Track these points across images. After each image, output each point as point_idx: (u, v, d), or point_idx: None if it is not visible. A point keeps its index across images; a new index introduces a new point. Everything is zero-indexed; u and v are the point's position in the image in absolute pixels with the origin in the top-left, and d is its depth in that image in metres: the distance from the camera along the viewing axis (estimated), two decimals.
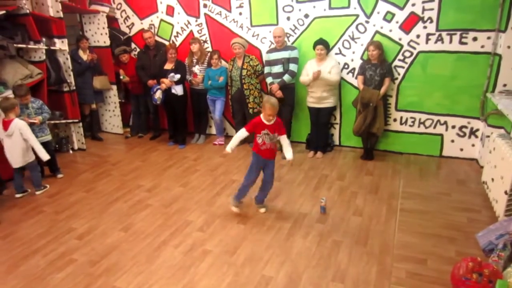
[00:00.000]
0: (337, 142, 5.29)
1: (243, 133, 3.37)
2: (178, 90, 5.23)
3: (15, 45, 4.53)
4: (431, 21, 4.39)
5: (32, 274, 2.79)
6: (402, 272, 2.65)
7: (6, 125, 3.87)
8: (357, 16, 4.69)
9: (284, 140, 3.39)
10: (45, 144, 4.30)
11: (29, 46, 4.73)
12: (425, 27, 4.44)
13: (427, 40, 4.47)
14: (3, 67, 4.56)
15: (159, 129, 6.09)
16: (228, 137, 5.73)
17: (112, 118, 6.26)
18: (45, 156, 4.06)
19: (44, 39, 4.90)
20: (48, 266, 2.87)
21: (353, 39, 4.82)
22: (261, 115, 3.30)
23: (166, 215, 3.57)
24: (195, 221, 3.44)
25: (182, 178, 4.39)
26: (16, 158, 3.97)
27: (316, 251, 2.95)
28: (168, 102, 5.36)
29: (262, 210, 3.57)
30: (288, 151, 3.37)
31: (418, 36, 4.50)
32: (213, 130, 5.88)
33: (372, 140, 4.80)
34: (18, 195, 4.09)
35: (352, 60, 4.89)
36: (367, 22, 4.69)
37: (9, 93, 4.40)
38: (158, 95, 5.27)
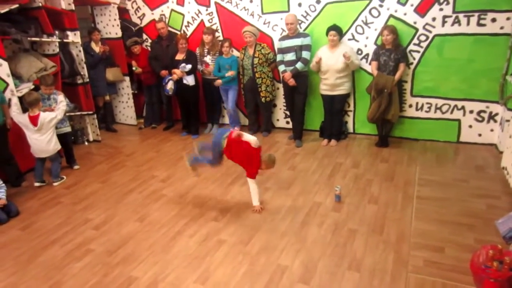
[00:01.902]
0: (351, 130, 5.21)
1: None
2: (189, 80, 5.21)
3: (28, 38, 4.57)
4: (448, 3, 4.24)
5: (51, 264, 2.86)
6: (420, 260, 2.62)
7: (34, 120, 3.95)
8: (370, 0, 4.57)
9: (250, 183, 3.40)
10: (64, 136, 4.39)
11: (43, 39, 4.77)
12: (441, 9, 4.30)
13: (443, 22, 4.33)
14: (18, 61, 4.61)
15: (172, 120, 6.11)
16: (245, 127, 5.71)
17: (125, 110, 6.31)
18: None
19: (57, 32, 4.93)
20: (67, 256, 2.93)
21: (366, 24, 4.70)
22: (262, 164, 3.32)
23: (180, 205, 3.59)
24: (210, 211, 3.45)
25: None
26: (45, 149, 4.07)
27: (332, 239, 2.93)
28: (180, 93, 5.35)
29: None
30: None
31: (434, 19, 4.36)
32: (226, 120, 5.87)
33: (387, 127, 4.71)
34: (37, 184, 4.19)
35: (366, 46, 4.78)
36: (380, 6, 4.56)
37: (24, 87, 4.46)
38: (169, 86, 5.27)
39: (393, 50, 4.40)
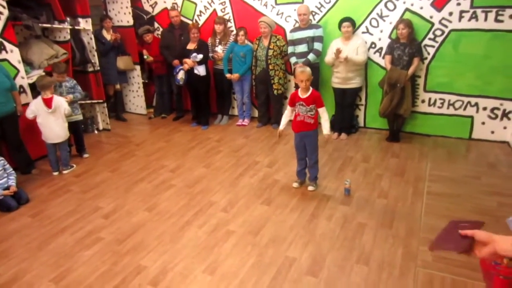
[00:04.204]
0: (362, 124, 5.16)
1: (287, 109, 3.49)
2: (200, 70, 5.19)
3: (40, 25, 4.57)
4: None
5: (61, 251, 2.88)
6: (429, 255, 2.60)
7: (48, 102, 3.98)
8: None
9: (322, 113, 3.37)
10: (75, 123, 4.41)
11: (54, 26, 4.77)
12: (458, 4, 4.21)
13: (460, 18, 4.24)
14: (29, 47, 4.62)
15: (182, 110, 6.11)
16: (255, 119, 5.69)
17: (135, 99, 6.32)
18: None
19: (68, 19, 4.92)
20: (77, 244, 2.95)
21: (381, 17, 4.62)
22: (299, 89, 3.36)
23: (190, 195, 3.60)
24: (219, 201, 3.46)
25: (205, 159, 4.40)
26: (57, 134, 4.10)
27: (340, 233, 2.92)
28: (191, 83, 5.33)
29: (309, 188, 3.58)
30: (324, 126, 3.37)
31: (450, 14, 4.27)
32: (236, 111, 5.85)
33: (398, 121, 4.66)
34: (55, 173, 4.22)
35: (380, 39, 4.71)
36: None
37: (36, 73, 4.48)
38: (180, 75, 5.25)
39: (407, 44, 4.33)
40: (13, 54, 4.16)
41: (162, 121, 5.98)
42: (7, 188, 3.54)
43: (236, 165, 4.20)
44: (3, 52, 4.06)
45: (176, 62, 5.38)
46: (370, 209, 3.22)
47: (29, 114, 4.01)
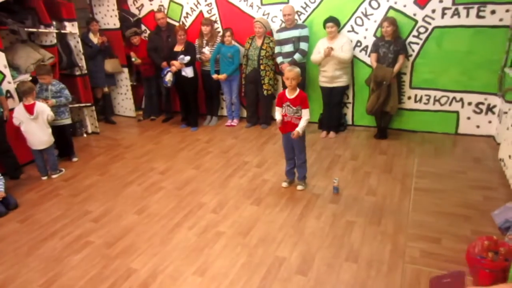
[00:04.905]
0: (350, 122, 5.21)
1: (276, 109, 3.48)
2: (188, 72, 5.19)
3: (26, 29, 4.53)
4: None
5: (51, 256, 2.87)
6: (416, 251, 2.64)
7: (30, 109, 3.94)
8: None
9: (304, 113, 3.36)
10: (62, 128, 4.38)
11: (40, 30, 4.73)
12: (441, 1, 4.28)
13: (443, 14, 4.31)
14: (15, 52, 4.58)
15: (171, 112, 6.10)
16: (243, 119, 5.71)
17: (124, 101, 6.29)
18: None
19: (54, 23, 4.88)
20: (66, 248, 2.94)
21: (366, 15, 4.68)
22: (287, 90, 3.38)
23: (179, 197, 3.60)
24: (208, 203, 3.47)
25: (195, 161, 4.41)
26: (41, 140, 4.07)
27: (330, 231, 2.95)
28: (179, 85, 5.33)
29: (298, 187, 3.60)
30: (300, 124, 3.36)
31: (433, 11, 4.34)
32: (225, 112, 5.86)
33: (385, 119, 4.71)
34: (44, 178, 4.20)
35: (365, 38, 4.76)
36: None
37: (22, 78, 4.44)
38: (168, 77, 5.25)
39: (392, 42, 4.38)
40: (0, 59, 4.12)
41: (151, 123, 5.97)
42: None
43: (226, 166, 4.21)
44: None
45: (164, 64, 5.36)
46: (358, 206, 3.26)
47: (15, 121, 3.99)
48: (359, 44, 4.81)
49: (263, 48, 5.01)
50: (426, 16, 4.38)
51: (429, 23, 4.40)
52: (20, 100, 4.07)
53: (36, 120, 3.99)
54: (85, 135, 5.55)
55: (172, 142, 5.08)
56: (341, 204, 3.31)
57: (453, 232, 2.82)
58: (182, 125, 5.66)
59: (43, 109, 4.02)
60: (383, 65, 4.41)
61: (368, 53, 4.75)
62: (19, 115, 3.96)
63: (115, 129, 5.80)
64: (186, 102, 5.54)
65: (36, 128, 4.02)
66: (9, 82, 4.24)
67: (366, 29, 4.73)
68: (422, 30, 4.45)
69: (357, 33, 4.78)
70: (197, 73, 5.38)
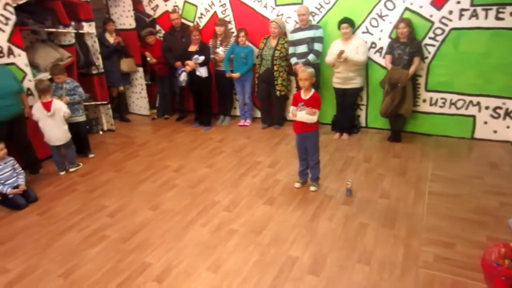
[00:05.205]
0: (363, 124, 5.19)
1: (292, 108, 3.50)
2: (202, 72, 5.24)
3: (45, 29, 4.65)
4: None
5: (68, 248, 2.95)
6: (430, 255, 2.62)
7: (47, 106, 4.05)
8: None
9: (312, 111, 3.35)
10: (77, 125, 4.48)
11: (59, 30, 4.84)
12: (458, 2, 4.23)
13: (460, 16, 4.26)
14: (35, 51, 4.69)
15: (184, 111, 6.16)
16: (256, 119, 5.72)
17: (139, 100, 6.38)
18: None
19: (73, 23, 4.99)
20: (83, 242, 3.02)
21: (381, 17, 4.66)
22: (302, 90, 3.41)
23: (193, 195, 3.65)
24: (222, 201, 3.51)
25: (208, 159, 4.46)
26: (58, 137, 4.18)
27: (342, 232, 2.95)
28: (193, 84, 5.39)
29: (311, 188, 3.61)
30: (304, 115, 3.35)
31: (450, 12, 4.30)
32: (238, 112, 5.89)
33: (399, 121, 4.68)
34: (62, 173, 4.31)
35: (380, 39, 4.74)
36: None
37: (41, 76, 4.55)
38: (183, 77, 5.31)
39: (408, 44, 4.36)
40: (21, 58, 4.25)
41: (165, 122, 6.04)
42: (17, 187, 3.62)
43: (239, 165, 4.24)
44: (11, 56, 4.14)
45: (178, 64, 5.43)
46: (371, 209, 3.25)
47: (34, 117, 4.10)
48: (373, 45, 4.79)
49: (277, 49, 5.03)
50: (443, 17, 4.34)
51: (446, 25, 4.36)
52: (40, 97, 4.17)
53: (53, 117, 4.10)
54: (101, 132, 5.65)
55: (186, 140, 5.14)
56: (354, 206, 3.31)
57: (467, 237, 2.79)
58: (195, 124, 5.71)
59: (59, 106, 4.13)
60: (398, 67, 4.39)
61: (382, 54, 4.73)
62: (37, 112, 4.07)
63: (129, 127, 5.90)
64: (199, 102, 5.60)
65: (53, 125, 4.13)
66: (30, 80, 4.36)
67: (381, 31, 4.71)
68: (438, 31, 4.41)
69: (372, 34, 4.77)
70: (211, 73, 5.43)
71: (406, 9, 4.49)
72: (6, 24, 4.09)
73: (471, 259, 2.55)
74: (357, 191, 3.54)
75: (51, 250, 2.94)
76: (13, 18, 4.14)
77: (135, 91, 6.33)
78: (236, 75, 5.29)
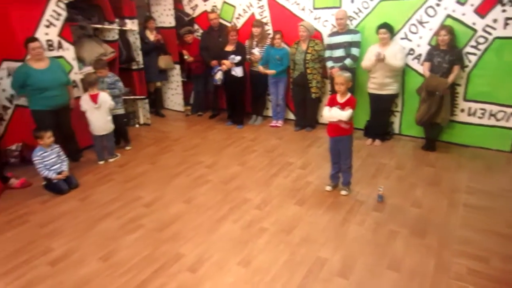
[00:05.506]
0: (396, 131, 5.12)
1: (327, 107, 3.50)
2: (238, 71, 5.34)
3: (92, 25, 4.88)
4: None
5: (106, 234, 3.11)
6: (463, 268, 2.59)
7: (94, 98, 4.28)
8: None
9: (347, 110, 3.33)
10: (116, 117, 4.68)
11: (105, 26, 5.07)
12: (504, 11, 4.10)
13: (505, 25, 4.13)
14: (81, 46, 4.94)
15: (218, 109, 6.29)
16: (288, 120, 5.77)
17: (174, 96, 6.57)
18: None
19: (117, 20, 5.21)
20: (120, 229, 3.17)
21: (421, 23, 4.59)
22: (338, 94, 3.43)
23: (225, 191, 3.74)
24: (253, 199, 3.58)
25: (240, 157, 4.55)
26: (103, 127, 4.41)
27: (372, 238, 2.95)
28: (228, 83, 5.50)
29: (342, 192, 3.63)
30: (340, 112, 3.34)
31: (495, 21, 4.18)
32: (270, 112, 5.95)
33: (435, 130, 4.59)
34: (101, 162, 4.53)
35: (419, 46, 4.67)
36: (437, 5, 4.43)
37: (86, 70, 4.79)
38: (218, 76, 5.43)
39: (448, 51, 4.27)
40: (69, 52, 4.50)
41: (198, 119, 6.19)
42: (60, 173, 3.85)
43: (270, 165, 4.30)
44: (61, 49, 4.39)
45: (214, 62, 5.56)
46: (403, 217, 3.23)
47: (82, 109, 4.34)
48: (411, 52, 4.73)
49: (308, 52, 5.05)
50: (487, 25, 4.23)
51: (490, 33, 4.24)
52: (85, 90, 4.40)
53: (99, 109, 4.32)
54: (137, 125, 5.87)
55: (218, 138, 5.25)
56: (385, 213, 3.30)
57: (502, 252, 2.73)
58: (228, 122, 5.82)
59: (105, 99, 4.35)
60: (437, 74, 4.31)
61: (421, 61, 4.66)
62: (85, 103, 4.29)
63: (164, 122, 6.09)
64: (233, 101, 5.70)
65: (99, 116, 4.35)
66: (75, 73, 4.60)
67: (420, 37, 4.64)
68: (481, 40, 4.30)
69: (410, 40, 4.70)
70: (246, 73, 5.52)
71: (448, 16, 4.41)
72: (58, 19, 4.33)
73: (507, 274, 2.50)
74: (388, 198, 3.52)
75: (91, 234, 3.12)
76: (64, 14, 4.38)
77: (171, 87, 6.52)
78: (271, 71, 5.33)
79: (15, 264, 2.78)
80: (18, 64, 4.01)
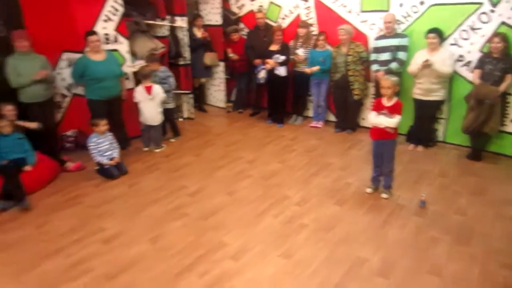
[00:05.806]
0: (440, 138, 5.01)
1: (372, 113, 3.50)
2: (281, 71, 5.42)
3: (145, 21, 5.13)
4: None
5: (153, 219, 3.29)
6: (510, 280, 2.53)
7: (148, 90, 4.54)
8: (481, 4, 4.32)
9: (396, 117, 3.33)
10: (166, 111, 4.91)
11: (157, 22, 5.31)
12: None
13: None
14: (134, 40, 5.20)
15: (259, 107, 6.41)
16: (328, 122, 5.79)
17: (216, 92, 6.75)
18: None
19: (168, 17, 5.45)
20: (166, 215, 3.35)
21: (473, 29, 4.47)
22: (383, 97, 3.43)
23: (266, 187, 3.84)
24: (293, 196, 3.65)
25: (280, 155, 4.63)
26: (154, 118, 4.66)
27: (413, 243, 2.94)
28: (271, 82, 5.60)
29: (383, 195, 3.63)
30: (388, 119, 3.33)
31: None
32: (310, 113, 5.99)
33: (482, 140, 4.45)
34: (145, 149, 4.80)
35: (469, 52, 4.54)
36: (492, 11, 4.30)
37: (138, 63, 5.05)
38: (262, 74, 5.54)
39: (500, 59, 4.14)
40: (123, 46, 4.76)
41: (239, 116, 6.34)
42: (112, 159, 4.10)
43: (310, 165, 4.36)
44: (116, 43, 4.66)
45: (257, 61, 5.67)
46: (445, 224, 3.18)
47: (135, 100, 4.59)
48: (461, 58, 4.61)
49: (349, 54, 5.04)
50: None
51: None
52: (138, 82, 4.65)
53: (152, 100, 4.56)
54: (181, 119, 6.09)
55: (259, 135, 5.36)
56: (427, 219, 3.26)
57: None
58: (268, 121, 5.91)
59: (158, 91, 4.58)
60: (487, 82, 4.19)
61: (470, 68, 4.54)
62: (139, 94, 4.54)
63: (206, 117, 6.29)
64: (274, 99, 5.79)
65: (151, 107, 4.59)
66: (128, 66, 4.86)
67: (471, 44, 4.51)
68: None
69: (460, 46, 4.59)
70: (289, 73, 5.59)
71: (503, 23, 4.27)
72: (115, 14, 4.60)
73: None
74: (430, 204, 3.48)
75: (139, 218, 3.31)
76: (121, 9, 4.65)
77: (214, 84, 6.71)
78: (315, 67, 5.31)
79: (70, 240, 3.01)
80: (78, 55, 4.30)
